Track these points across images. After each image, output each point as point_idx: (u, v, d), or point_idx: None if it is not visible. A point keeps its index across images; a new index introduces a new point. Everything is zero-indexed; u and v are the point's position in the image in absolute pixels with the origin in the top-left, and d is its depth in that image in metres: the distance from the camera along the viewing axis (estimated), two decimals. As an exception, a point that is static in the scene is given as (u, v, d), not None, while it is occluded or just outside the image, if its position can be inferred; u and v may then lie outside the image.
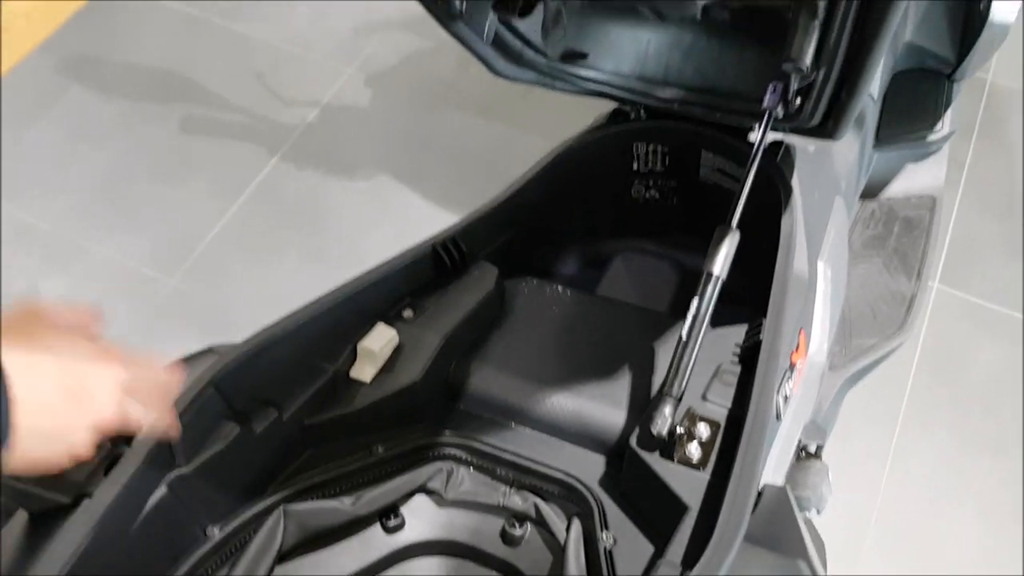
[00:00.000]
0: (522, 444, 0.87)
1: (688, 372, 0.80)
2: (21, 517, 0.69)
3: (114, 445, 0.71)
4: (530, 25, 1.02)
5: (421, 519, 0.86)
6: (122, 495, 0.67)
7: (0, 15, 2.13)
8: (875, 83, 1.27)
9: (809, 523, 0.89)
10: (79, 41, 2.14)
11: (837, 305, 1.09)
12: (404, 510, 0.85)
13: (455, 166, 1.93)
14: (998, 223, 1.86)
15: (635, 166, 1.15)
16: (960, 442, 1.57)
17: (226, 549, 0.76)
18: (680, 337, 0.81)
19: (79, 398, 0.54)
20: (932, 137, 1.41)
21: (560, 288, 1.03)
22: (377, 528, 0.85)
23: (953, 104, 1.42)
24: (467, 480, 0.87)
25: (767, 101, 0.87)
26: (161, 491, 0.71)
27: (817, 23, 0.78)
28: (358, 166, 1.93)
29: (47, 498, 0.68)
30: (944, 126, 1.41)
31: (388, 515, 0.84)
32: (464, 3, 0.84)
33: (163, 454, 0.71)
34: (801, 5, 0.78)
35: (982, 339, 1.70)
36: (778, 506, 0.72)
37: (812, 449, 1.06)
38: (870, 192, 1.47)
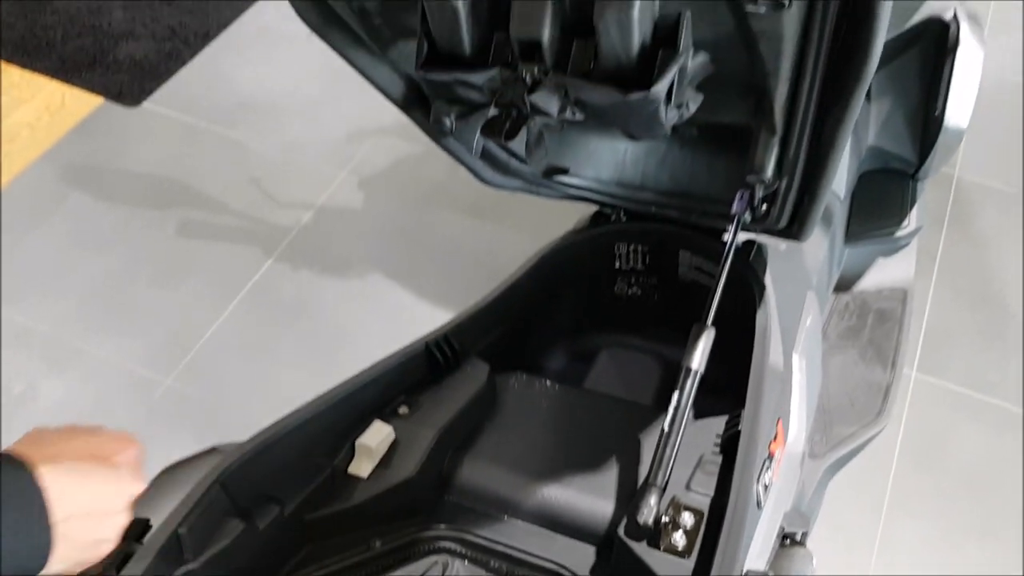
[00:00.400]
0: (514, 536, 0.90)
1: (671, 463, 0.84)
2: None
3: (125, 540, 0.75)
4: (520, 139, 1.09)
5: None
6: None
7: (3, 126, 2.22)
8: (841, 184, 1.35)
9: None
10: (81, 150, 2.22)
11: (813, 395, 1.14)
12: None
13: (446, 265, 1.99)
14: (971, 312, 1.92)
15: (617, 264, 1.21)
16: (945, 529, 1.60)
17: None
18: (662, 429, 0.85)
19: (111, 489, 0.58)
20: (900, 233, 1.48)
21: (549, 383, 1.08)
22: (374, 622, 0.87)
23: (919, 201, 1.49)
24: (462, 572, 0.89)
25: (735, 207, 0.94)
26: None
27: (776, 139, 0.85)
28: (352, 265, 1.99)
29: (62, 591, 0.71)
30: (911, 222, 1.49)
31: None
32: (454, 122, 0.91)
33: (172, 550, 0.75)
34: (761, 122, 0.85)
35: (961, 425, 1.74)
36: None
37: (797, 536, 1.10)
38: (844, 285, 1.53)
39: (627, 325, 1.26)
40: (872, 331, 1.45)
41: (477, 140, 1.02)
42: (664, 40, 0.74)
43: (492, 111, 0.82)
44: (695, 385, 0.87)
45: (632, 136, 0.80)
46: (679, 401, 0.86)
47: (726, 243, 0.97)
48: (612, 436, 0.98)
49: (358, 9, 0.87)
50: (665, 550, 0.81)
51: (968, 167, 2.20)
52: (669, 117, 0.76)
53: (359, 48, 0.94)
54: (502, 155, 1.09)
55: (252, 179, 2.15)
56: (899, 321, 1.46)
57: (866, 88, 0.75)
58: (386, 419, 0.95)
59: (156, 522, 0.77)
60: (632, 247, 1.20)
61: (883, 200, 1.49)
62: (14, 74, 2.37)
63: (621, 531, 0.83)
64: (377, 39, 0.91)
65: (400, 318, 1.88)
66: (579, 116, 0.79)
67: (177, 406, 1.75)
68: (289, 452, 0.87)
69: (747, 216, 0.94)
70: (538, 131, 0.88)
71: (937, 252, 2.03)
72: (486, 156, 1.09)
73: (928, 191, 2.12)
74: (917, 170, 1.45)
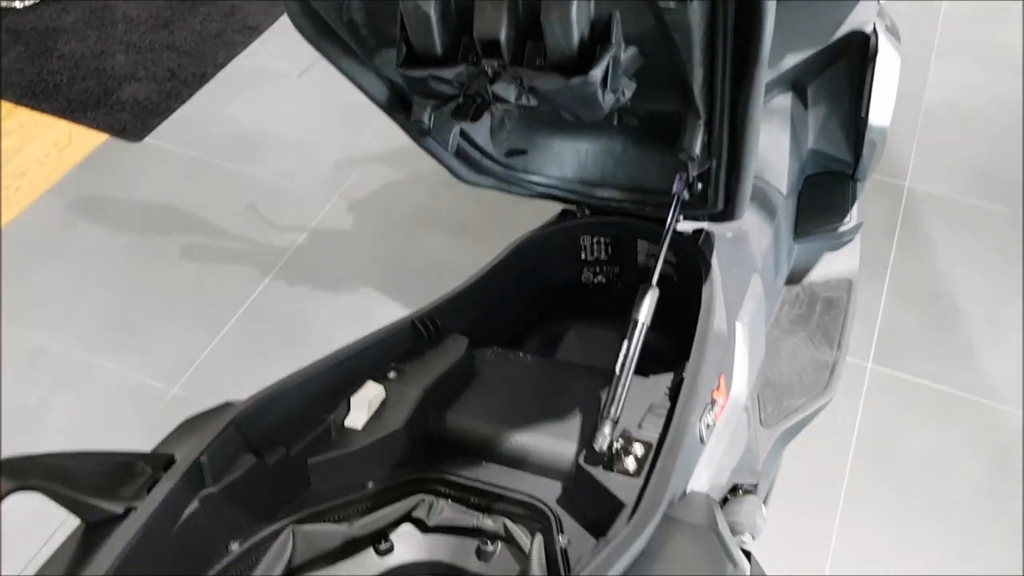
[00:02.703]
0: (490, 476, 1.03)
1: (622, 398, 0.97)
2: (80, 527, 0.84)
3: (154, 470, 0.88)
4: (486, 139, 1.24)
5: (408, 544, 1.01)
6: (162, 507, 0.83)
7: (14, 162, 2.37)
8: (782, 181, 1.50)
9: (745, 547, 1.05)
10: (87, 183, 2.37)
11: (756, 359, 1.27)
12: (393, 536, 1.00)
13: (432, 281, 2.11)
14: (923, 310, 2.07)
15: (583, 256, 1.36)
16: (901, 516, 1.72)
17: (244, 563, 0.91)
18: (615, 372, 0.99)
19: None
20: (843, 229, 1.63)
21: (521, 355, 1.21)
22: (370, 552, 1.00)
23: (858, 200, 1.64)
24: (446, 509, 1.02)
25: (675, 187, 1.09)
26: (194, 506, 0.87)
27: (701, 122, 1.00)
28: (343, 283, 2.13)
29: (103, 509, 0.83)
30: (852, 219, 1.64)
31: (379, 540, 1.00)
32: (431, 120, 1.05)
33: (195, 476, 0.87)
34: (687, 108, 1.00)
35: (915, 413, 1.88)
36: (696, 498, 0.88)
37: (746, 487, 1.22)
38: (794, 278, 1.68)
39: (593, 310, 1.39)
40: (820, 317, 1.59)
41: (452, 137, 1.17)
42: (600, 36, 0.89)
43: (460, 100, 0.97)
44: (642, 335, 1.01)
45: (578, 118, 0.95)
46: (628, 348, 1.00)
47: (679, 232, 1.12)
48: (576, 393, 1.12)
49: (348, 21, 1.01)
50: (618, 471, 0.94)
51: (917, 178, 2.37)
52: (607, 100, 0.91)
53: (349, 58, 1.08)
54: (475, 154, 1.24)
55: (249, 205, 2.30)
56: (844, 308, 1.60)
57: (765, 68, 0.89)
58: (377, 381, 1.09)
59: (179, 458, 0.90)
60: (595, 239, 1.34)
61: (826, 200, 1.64)
62: (24, 115, 2.52)
63: (580, 459, 0.96)
64: (364, 48, 1.06)
65: (390, 327, 2.01)
66: (533, 102, 0.94)
67: (183, 412, 1.86)
68: (294, 404, 1.00)
69: (686, 195, 1.08)
70: (500, 116, 1.02)
71: (890, 256, 2.18)
72: (461, 155, 1.24)
73: (880, 201, 2.29)
74: (855, 171, 1.60)
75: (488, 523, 0.99)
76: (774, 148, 1.49)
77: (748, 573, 0.85)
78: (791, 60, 1.39)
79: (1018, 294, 2.09)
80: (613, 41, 0.88)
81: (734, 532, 1.18)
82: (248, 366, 1.96)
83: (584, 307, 1.40)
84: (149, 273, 2.16)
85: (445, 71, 0.95)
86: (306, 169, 2.40)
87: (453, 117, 0.98)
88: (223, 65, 2.68)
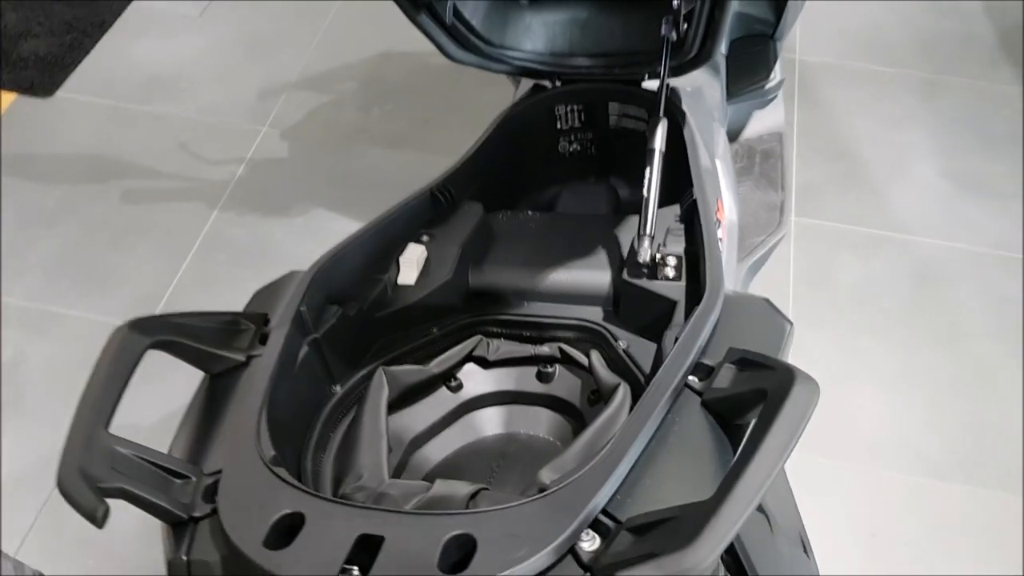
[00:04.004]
0: (537, 311, 1.14)
1: (654, 216, 1.09)
2: (204, 380, 0.91)
3: (256, 325, 0.95)
4: (473, 14, 1.32)
5: (475, 379, 1.11)
6: (284, 351, 0.90)
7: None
8: (724, 42, 1.64)
9: None
10: (6, 143, 2.31)
11: (735, 191, 1.42)
12: (460, 375, 1.11)
13: (376, 192, 2.19)
14: (830, 164, 2.28)
15: (558, 125, 1.46)
16: (842, 332, 1.93)
17: (347, 401, 1.00)
18: (643, 196, 1.11)
19: None
20: (769, 86, 1.79)
21: (530, 213, 1.32)
22: (444, 389, 1.10)
23: (779, 58, 1.81)
24: (503, 345, 1.13)
25: (664, 30, 1.20)
26: (304, 351, 0.95)
27: None
28: (293, 205, 2.17)
29: (227, 359, 0.91)
30: (776, 76, 1.80)
31: (449, 379, 1.10)
32: None
33: (298, 324, 0.95)
34: None
35: (838, 251, 2.09)
36: (749, 297, 1.02)
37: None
38: (732, 137, 1.83)
39: (575, 176, 1.51)
40: (760, 166, 1.76)
41: (448, 8, 1.25)
42: None
43: None
44: (660, 161, 1.13)
45: None
46: (650, 173, 1.12)
47: (645, 90, 1.24)
48: (591, 233, 1.23)
49: None
50: (662, 278, 1.06)
51: (806, 50, 2.57)
52: None
53: None
54: (463, 31, 1.32)
55: (180, 144, 2.29)
56: (780, 156, 1.78)
57: None
58: (417, 242, 1.17)
59: (273, 314, 0.98)
60: (568, 108, 1.44)
61: (751, 61, 1.79)
62: (-82, 83, 2.42)
63: (625, 275, 1.09)
64: None
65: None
66: None
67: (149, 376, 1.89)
68: (351, 266, 1.08)
69: (673, 36, 1.20)
70: None
71: (794, 121, 2.37)
72: (451, 32, 1.32)
73: (784, 78, 2.48)
74: (775, 30, 1.76)
75: (544, 350, 1.11)
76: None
77: (792, 333, 0.99)
78: None
79: (911, 140, 2.33)
80: None
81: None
82: (217, 294, 1.99)
83: (564, 175, 1.51)
84: (92, 220, 2.14)
85: None
86: (229, 103, 2.40)
87: None
88: (120, 11, 2.62)
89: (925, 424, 1.78)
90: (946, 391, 1.82)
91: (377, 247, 1.14)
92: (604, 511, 0.71)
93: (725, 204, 1.30)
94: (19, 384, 1.85)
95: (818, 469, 1.71)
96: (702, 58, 1.26)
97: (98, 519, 0.69)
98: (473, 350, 1.12)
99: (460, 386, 1.11)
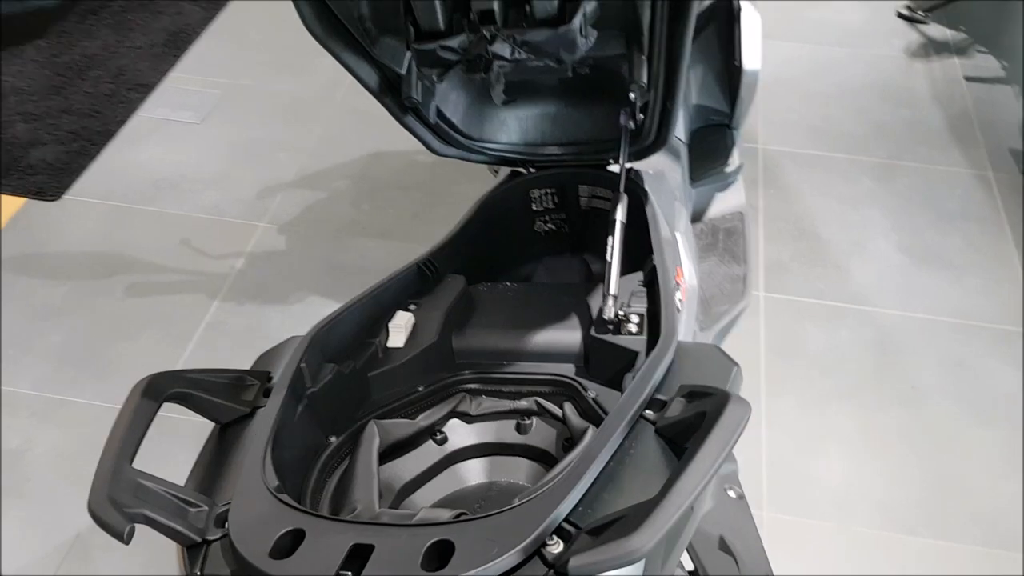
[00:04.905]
0: (516, 369, 1.25)
1: (617, 278, 1.22)
2: (215, 429, 1.02)
3: (261, 382, 1.06)
4: (454, 112, 1.47)
5: (458, 433, 1.22)
6: (285, 403, 1.01)
7: (-62, 234, 2.41)
8: (682, 130, 1.80)
9: None
10: (16, 243, 2.44)
11: (695, 262, 1.55)
12: (445, 428, 1.21)
13: (367, 278, 2.23)
14: (795, 242, 2.43)
15: (534, 207, 1.60)
16: (811, 398, 2.04)
17: (342, 451, 1.10)
18: (607, 261, 1.23)
19: None
20: (728, 170, 1.95)
21: (508, 284, 1.44)
22: (430, 442, 1.20)
23: (737, 145, 1.97)
24: (484, 401, 1.23)
25: (622, 121, 1.35)
26: (304, 403, 1.05)
27: (643, 58, 1.27)
28: (290, 294, 2.29)
29: (234, 409, 1.01)
30: (734, 162, 1.96)
31: (435, 432, 1.20)
32: (419, 93, 1.29)
33: (299, 380, 1.06)
34: (633, 49, 1.27)
35: (806, 324, 2.21)
36: (701, 345, 1.13)
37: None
38: (696, 217, 1.98)
39: (550, 252, 1.64)
40: (724, 243, 1.90)
41: (432, 109, 1.40)
42: None
43: (467, 62, 1.21)
44: (622, 231, 1.26)
45: (559, 62, 1.21)
46: (612, 241, 1.25)
47: (611, 173, 1.38)
48: (564, 300, 1.35)
49: (357, 16, 1.23)
50: (625, 333, 1.18)
51: (768, 140, 2.75)
52: (581, 44, 1.17)
53: (349, 51, 1.30)
54: (445, 128, 1.47)
55: (182, 241, 2.43)
56: (743, 233, 1.92)
57: (695, 13, 1.18)
58: (404, 310, 1.29)
59: (275, 373, 1.09)
60: (543, 191, 1.59)
61: (711, 148, 1.96)
62: (-67, 191, 2.57)
63: (593, 331, 1.20)
64: (367, 38, 1.27)
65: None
66: (524, 56, 1.19)
67: (167, 429, 1.98)
68: (347, 329, 1.20)
69: (631, 124, 1.35)
70: (497, 72, 1.27)
71: (758, 205, 2.53)
72: (435, 130, 1.47)
73: (743, 162, 2.66)
74: (731, 120, 1.93)
75: (522, 404, 1.21)
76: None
77: (739, 374, 1.10)
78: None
79: (868, 218, 2.49)
80: None
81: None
82: (217, 379, 2.09)
83: (541, 252, 1.64)
84: (97, 313, 2.26)
85: (451, 40, 1.18)
86: (229, 202, 2.55)
87: (466, 72, 1.22)
88: (124, 121, 2.80)
89: (891, 481, 1.87)
90: (909, 450, 1.93)
91: (369, 314, 1.26)
92: (568, 520, 0.81)
93: (685, 271, 1.43)
94: (29, 468, 1.94)
95: (788, 527, 1.79)
96: (658, 144, 1.41)
97: (124, 536, 0.79)
98: (457, 406, 1.23)
99: (445, 439, 1.21)
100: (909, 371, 2.08)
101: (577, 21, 1.13)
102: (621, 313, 1.20)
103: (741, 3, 1.70)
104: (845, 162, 2.68)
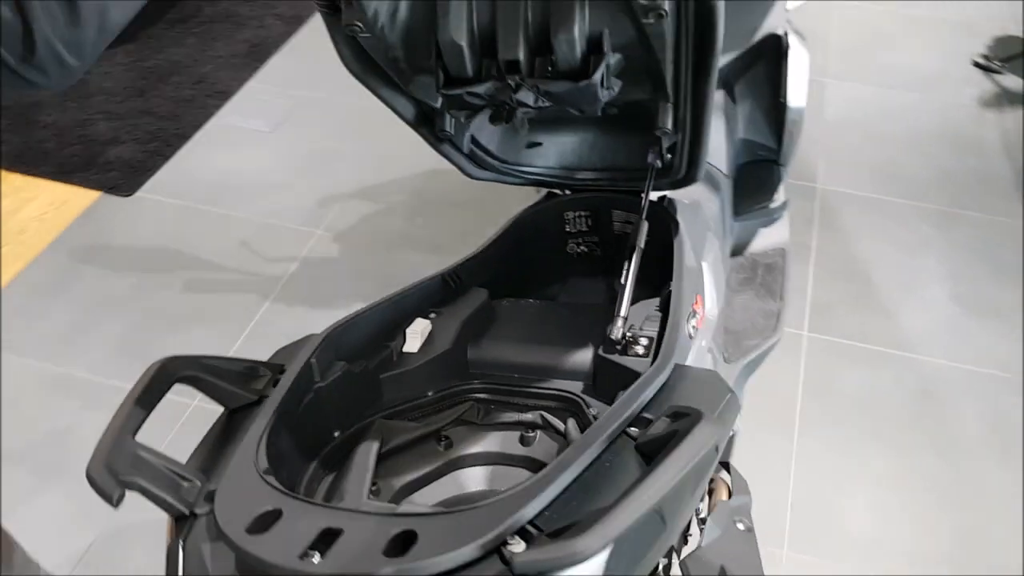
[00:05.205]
0: (524, 383, 1.28)
1: (628, 299, 1.24)
2: (223, 414, 1.07)
3: (273, 372, 1.11)
4: (490, 140, 1.51)
5: (463, 440, 1.25)
6: (290, 393, 1.06)
7: (13, 221, 2.56)
8: (721, 162, 1.81)
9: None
10: (87, 234, 2.57)
11: (720, 294, 1.55)
12: (450, 434, 1.24)
13: (415, 293, 2.38)
14: (845, 284, 2.40)
15: (567, 229, 1.63)
16: (844, 440, 2.02)
17: (345, 447, 1.14)
18: (621, 283, 1.25)
19: None
20: (773, 207, 1.94)
21: (531, 300, 1.47)
22: (435, 446, 1.23)
23: (783, 182, 1.97)
24: (491, 411, 1.26)
25: (649, 159, 1.37)
26: (309, 396, 1.10)
27: (670, 104, 1.29)
28: (338, 300, 2.36)
29: (242, 396, 1.06)
30: (780, 198, 1.95)
31: (440, 437, 1.23)
32: (452, 129, 1.34)
33: (307, 374, 1.10)
34: (659, 95, 1.29)
35: (846, 365, 2.19)
36: (701, 370, 1.14)
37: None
38: (738, 251, 1.98)
39: (580, 274, 1.66)
40: (763, 278, 1.89)
41: (465, 140, 1.45)
42: (594, 48, 1.18)
43: (492, 109, 1.26)
44: (639, 257, 1.28)
45: (581, 111, 1.25)
46: (628, 264, 1.27)
47: (650, 198, 1.41)
48: (582, 320, 1.38)
49: (391, 58, 1.28)
50: (631, 354, 1.20)
51: (827, 180, 2.73)
52: (603, 95, 1.21)
53: (386, 86, 1.35)
54: (480, 153, 1.51)
55: (241, 242, 2.52)
56: (782, 269, 1.91)
57: (718, 59, 1.19)
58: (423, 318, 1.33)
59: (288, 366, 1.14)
60: (577, 214, 1.61)
61: (758, 183, 1.96)
62: (17, 179, 2.72)
63: (600, 351, 1.22)
64: (402, 77, 1.32)
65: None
66: (547, 104, 1.23)
67: (207, 421, 2.06)
68: (363, 331, 1.24)
69: (658, 164, 1.37)
70: (521, 118, 1.31)
71: (812, 244, 2.51)
72: (470, 156, 1.51)
73: (799, 200, 2.64)
74: (778, 156, 1.92)
75: (527, 416, 1.24)
76: (714, 135, 1.80)
77: (733, 401, 1.11)
78: (720, 61, 1.71)
79: (924, 266, 2.45)
80: (606, 51, 1.18)
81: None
82: (260, 377, 2.16)
83: (571, 273, 1.67)
84: (155, 306, 2.36)
85: (478, 87, 1.23)
86: (289, 209, 2.64)
87: (491, 122, 1.28)
88: (200, 125, 2.92)
89: (919, 532, 1.83)
90: (941, 501, 1.88)
91: (388, 319, 1.31)
92: (533, 523, 0.83)
93: (707, 300, 1.44)
94: (74, 449, 2.03)
95: (807, 567, 1.77)
96: (689, 180, 1.43)
97: (113, 501, 0.85)
98: (464, 413, 1.26)
99: (450, 444, 1.24)
100: (949, 421, 2.03)
101: (598, 76, 1.17)
102: (629, 335, 1.22)
103: (791, 41, 1.71)
104: (906, 208, 2.64)
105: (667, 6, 1.12)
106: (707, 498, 1.54)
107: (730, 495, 1.61)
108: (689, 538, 1.54)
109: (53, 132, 2.87)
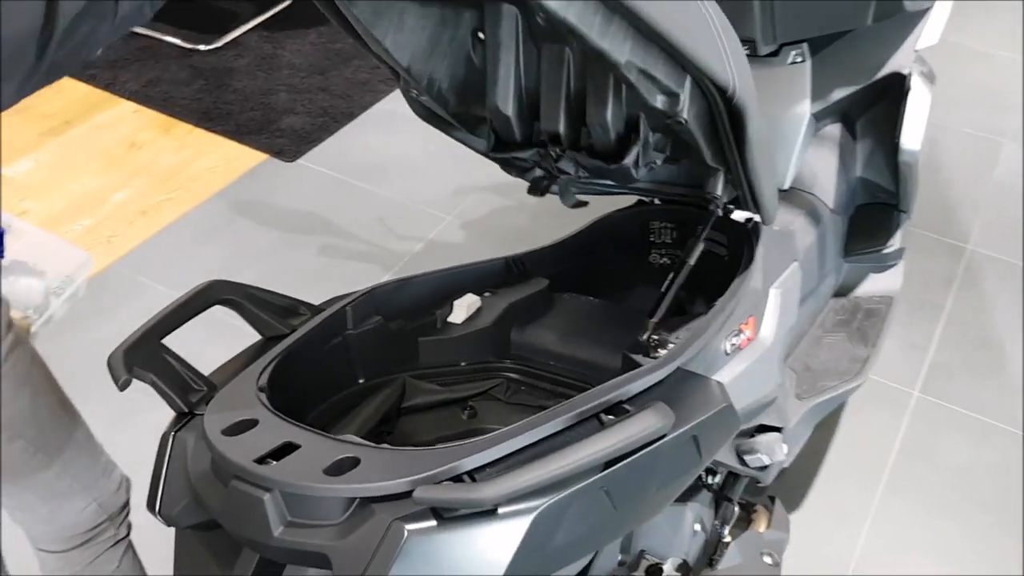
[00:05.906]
0: (556, 372, 1.32)
1: (664, 307, 1.25)
2: (259, 340, 1.18)
3: (312, 313, 1.21)
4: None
5: (487, 413, 1.30)
6: (316, 330, 1.15)
7: (190, 168, 2.83)
8: (828, 196, 1.76)
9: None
10: (248, 190, 2.81)
11: (786, 323, 1.51)
12: (477, 405, 1.30)
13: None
14: (970, 351, 2.27)
15: (652, 238, 1.65)
16: (925, 507, 1.91)
17: (365, 393, 1.22)
18: (661, 291, 1.27)
19: None
20: (887, 251, 1.87)
21: (592, 298, 1.50)
22: (458, 412, 1.29)
23: (901, 228, 1.89)
24: (519, 391, 1.31)
25: (711, 207, 1.37)
26: (337, 339, 1.19)
27: (721, 172, 1.28)
28: (451, 284, 2.46)
29: (276, 327, 1.17)
30: (896, 244, 1.88)
31: (465, 406, 1.29)
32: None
33: (341, 319, 1.19)
34: (704, 166, 1.28)
35: (950, 433, 2.07)
36: (707, 379, 1.14)
37: (772, 427, 1.47)
38: (843, 292, 1.92)
39: (655, 285, 1.67)
40: (860, 322, 1.83)
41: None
42: (633, 127, 1.21)
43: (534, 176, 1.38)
44: (686, 272, 1.29)
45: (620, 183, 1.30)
46: (674, 275, 1.28)
47: (735, 221, 1.41)
48: (628, 323, 1.40)
49: (452, 114, 1.34)
50: (652, 357, 1.21)
51: (979, 242, 2.58)
52: (639, 173, 1.25)
53: (453, 131, 1.41)
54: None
55: (378, 218, 2.68)
56: (884, 317, 1.84)
57: (755, 137, 1.15)
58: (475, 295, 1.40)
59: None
60: (663, 224, 1.63)
61: (874, 225, 1.89)
62: (200, 135, 3.01)
63: (627, 350, 1.24)
64: (465, 125, 1.37)
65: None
66: (585, 174, 1.31)
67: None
68: (412, 296, 1.32)
69: (719, 212, 1.37)
70: (565, 183, 1.36)
71: (946, 303, 2.39)
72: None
73: (943, 258, 2.51)
74: (898, 201, 1.85)
75: (550, 403, 1.28)
76: (823, 168, 1.76)
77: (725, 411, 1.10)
78: (838, 94, 1.67)
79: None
80: (641, 135, 1.21)
81: (751, 451, 1.43)
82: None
83: (649, 282, 1.68)
84: (288, 262, 2.55)
85: (522, 153, 1.29)
86: (427, 193, 2.78)
87: (529, 192, 1.34)
88: (367, 108, 3.12)
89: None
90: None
91: (439, 289, 1.38)
92: (470, 474, 0.88)
93: (765, 325, 1.41)
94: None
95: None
96: (763, 222, 1.41)
97: (119, 384, 0.96)
98: (492, 388, 1.31)
99: (474, 415, 1.30)
100: (1047, 511, 1.89)
101: (630, 159, 1.21)
102: (657, 338, 1.24)
103: (914, 81, 1.64)
104: (1060, 287, 2.46)
105: (684, 116, 1.11)
106: (730, 522, 1.52)
107: (768, 527, 1.58)
108: (715, 560, 1.53)
109: (240, 96, 3.15)
